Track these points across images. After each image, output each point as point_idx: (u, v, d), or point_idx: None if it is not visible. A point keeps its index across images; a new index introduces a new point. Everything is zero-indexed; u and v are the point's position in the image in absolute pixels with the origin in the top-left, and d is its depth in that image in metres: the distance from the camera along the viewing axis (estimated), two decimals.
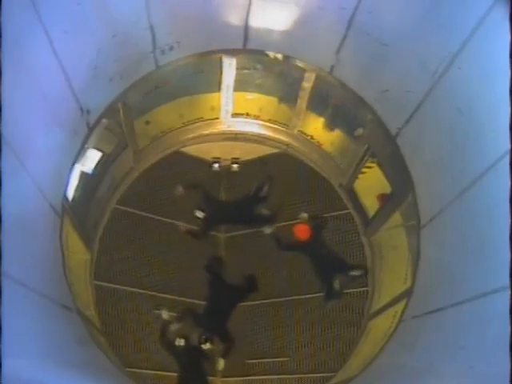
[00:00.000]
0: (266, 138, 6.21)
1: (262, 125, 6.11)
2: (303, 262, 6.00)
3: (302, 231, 5.90)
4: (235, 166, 6.52)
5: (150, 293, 5.85)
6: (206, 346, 5.60)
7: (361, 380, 4.61)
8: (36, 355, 2.91)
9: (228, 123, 6.09)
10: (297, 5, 4.17)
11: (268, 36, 4.67)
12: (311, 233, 5.88)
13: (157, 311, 5.75)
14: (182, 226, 6.08)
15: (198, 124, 6.03)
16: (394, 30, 3.75)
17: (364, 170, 5.52)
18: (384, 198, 5.30)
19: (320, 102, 5.46)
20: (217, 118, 6.02)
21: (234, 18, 4.43)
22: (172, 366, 5.71)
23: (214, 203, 6.23)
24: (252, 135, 6.21)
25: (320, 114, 5.67)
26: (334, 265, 5.91)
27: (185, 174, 6.33)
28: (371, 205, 5.62)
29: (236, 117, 6.03)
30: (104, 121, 4.65)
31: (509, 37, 2.55)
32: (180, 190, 6.12)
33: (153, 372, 5.67)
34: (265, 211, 6.16)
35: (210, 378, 5.79)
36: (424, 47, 3.61)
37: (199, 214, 6.05)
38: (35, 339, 2.99)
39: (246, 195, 6.27)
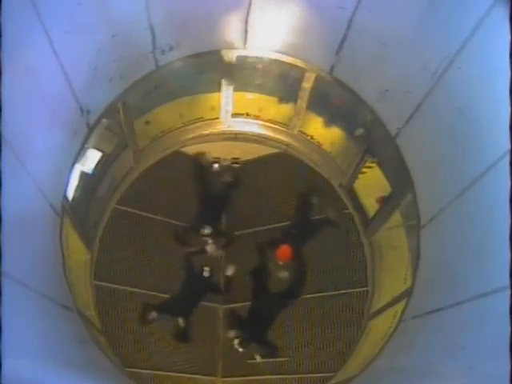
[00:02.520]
0: (266, 138, 6.20)
1: (262, 125, 6.10)
2: (303, 263, 6.01)
3: (283, 253, 5.80)
4: (235, 166, 6.52)
5: (150, 293, 5.85)
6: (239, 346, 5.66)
7: (361, 380, 4.61)
8: (36, 355, 2.91)
9: (228, 123, 6.09)
10: (296, 5, 4.17)
11: (268, 36, 4.67)
12: (292, 250, 5.82)
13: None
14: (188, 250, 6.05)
15: (197, 124, 6.03)
16: (394, 29, 3.75)
17: (364, 170, 5.52)
18: (383, 201, 5.31)
19: (320, 102, 5.46)
20: (217, 118, 6.02)
21: (234, 18, 4.43)
22: (172, 366, 5.73)
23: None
24: (252, 135, 6.21)
25: (320, 114, 5.67)
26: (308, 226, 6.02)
27: (185, 174, 6.34)
28: (371, 205, 5.62)
29: (236, 117, 6.02)
30: (104, 121, 4.65)
31: (509, 37, 2.55)
32: None
33: (153, 372, 5.68)
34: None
35: (210, 378, 5.80)
36: (424, 47, 3.61)
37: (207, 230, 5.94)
38: (35, 339, 3.00)
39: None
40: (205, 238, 5.92)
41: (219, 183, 6.22)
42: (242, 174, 6.49)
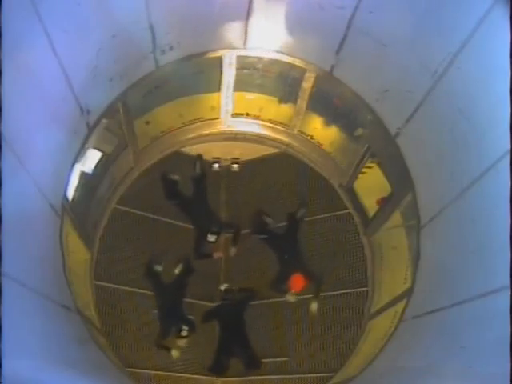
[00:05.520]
0: (265, 138, 6.21)
1: (262, 125, 6.11)
2: None
3: (297, 283, 5.79)
4: (235, 166, 6.53)
5: (149, 293, 5.85)
6: None
7: (361, 380, 4.61)
8: (36, 355, 2.91)
9: (228, 123, 6.09)
10: (296, 5, 4.17)
11: (268, 36, 4.68)
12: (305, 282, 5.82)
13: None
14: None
15: (197, 124, 6.02)
16: (394, 29, 3.75)
17: (364, 169, 5.52)
18: (383, 202, 5.30)
19: (320, 102, 5.46)
20: (217, 118, 6.02)
21: (234, 18, 4.43)
22: (172, 366, 5.73)
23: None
24: (252, 135, 6.21)
25: (320, 114, 5.67)
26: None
27: (185, 174, 6.34)
28: (371, 205, 5.62)
29: (236, 117, 6.02)
30: (104, 121, 4.65)
31: (509, 37, 2.56)
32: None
33: (153, 372, 5.68)
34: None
35: (210, 378, 5.81)
36: (424, 47, 3.61)
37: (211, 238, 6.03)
38: (35, 339, 3.00)
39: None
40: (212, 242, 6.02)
41: (190, 182, 6.25)
42: (242, 173, 6.51)
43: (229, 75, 5.32)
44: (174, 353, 5.70)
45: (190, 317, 5.85)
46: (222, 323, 5.82)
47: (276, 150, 6.39)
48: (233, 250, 6.18)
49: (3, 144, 2.74)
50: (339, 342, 5.73)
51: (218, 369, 5.72)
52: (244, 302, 5.91)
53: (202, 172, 6.31)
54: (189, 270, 5.96)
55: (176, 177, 6.19)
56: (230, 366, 5.78)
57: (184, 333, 5.70)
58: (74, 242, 4.76)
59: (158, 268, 5.85)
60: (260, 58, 5.06)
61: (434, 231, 4.15)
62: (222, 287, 5.94)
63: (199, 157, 6.34)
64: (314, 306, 5.81)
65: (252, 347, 5.76)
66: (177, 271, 5.93)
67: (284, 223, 6.18)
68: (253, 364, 5.75)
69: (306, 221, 6.20)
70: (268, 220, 6.16)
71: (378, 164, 5.23)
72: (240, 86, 5.54)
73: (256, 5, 4.24)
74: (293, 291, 5.76)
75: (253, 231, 6.16)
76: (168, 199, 6.14)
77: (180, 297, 5.87)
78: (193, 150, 6.34)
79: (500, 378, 2.37)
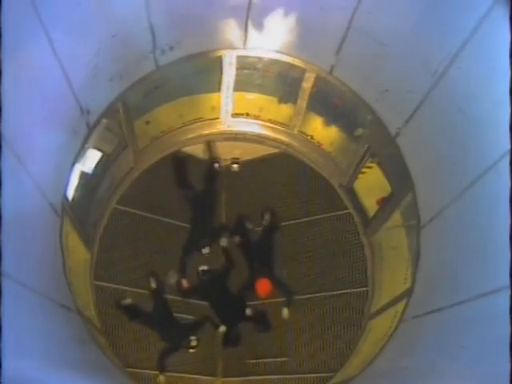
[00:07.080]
0: (265, 138, 6.20)
1: (262, 125, 6.10)
2: (303, 263, 6.02)
3: (263, 288, 5.80)
4: (235, 166, 6.53)
5: (150, 292, 5.85)
6: None
7: (361, 380, 4.61)
8: (36, 355, 2.91)
9: (228, 123, 6.09)
10: (296, 5, 4.17)
11: (268, 36, 4.67)
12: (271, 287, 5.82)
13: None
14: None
15: (197, 124, 6.02)
16: (394, 30, 3.75)
17: (364, 169, 5.52)
18: (383, 202, 5.31)
19: (320, 102, 5.46)
20: (217, 118, 6.02)
21: (234, 18, 4.43)
22: (172, 366, 5.73)
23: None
24: (252, 135, 6.21)
25: (320, 114, 5.67)
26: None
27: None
28: (371, 205, 5.62)
29: (236, 117, 6.02)
30: (104, 121, 4.65)
31: (509, 37, 2.56)
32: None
33: (153, 372, 5.68)
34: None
35: (210, 378, 5.81)
36: (424, 47, 3.61)
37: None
38: (35, 339, 3.00)
39: None
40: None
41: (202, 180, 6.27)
42: (242, 173, 6.52)
43: (229, 75, 5.31)
44: (161, 378, 5.66)
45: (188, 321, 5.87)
46: (209, 299, 5.87)
47: (276, 150, 6.39)
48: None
49: (3, 144, 2.75)
50: (339, 341, 5.74)
51: (231, 340, 5.80)
52: (224, 274, 5.94)
53: (214, 172, 6.29)
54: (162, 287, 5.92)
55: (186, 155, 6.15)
56: (232, 357, 5.85)
57: (194, 342, 5.76)
58: (74, 241, 4.76)
59: (127, 301, 5.74)
60: (260, 58, 5.06)
61: (433, 231, 4.15)
62: (200, 268, 5.91)
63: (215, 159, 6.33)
64: (285, 312, 5.83)
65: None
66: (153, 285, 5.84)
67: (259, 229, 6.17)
68: (262, 325, 5.83)
69: (305, 221, 6.20)
70: (248, 225, 6.18)
71: (378, 164, 5.23)
72: (240, 86, 5.54)
73: (256, 5, 4.24)
74: (259, 295, 5.78)
75: (232, 232, 6.18)
76: (179, 187, 6.15)
77: (170, 314, 5.83)
78: (193, 149, 6.34)
79: (500, 378, 2.37)
